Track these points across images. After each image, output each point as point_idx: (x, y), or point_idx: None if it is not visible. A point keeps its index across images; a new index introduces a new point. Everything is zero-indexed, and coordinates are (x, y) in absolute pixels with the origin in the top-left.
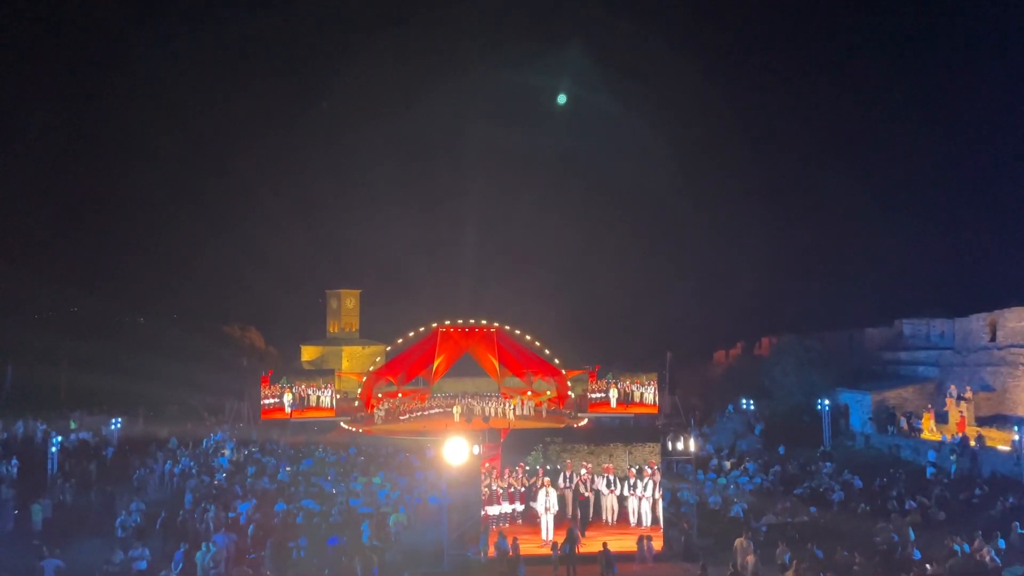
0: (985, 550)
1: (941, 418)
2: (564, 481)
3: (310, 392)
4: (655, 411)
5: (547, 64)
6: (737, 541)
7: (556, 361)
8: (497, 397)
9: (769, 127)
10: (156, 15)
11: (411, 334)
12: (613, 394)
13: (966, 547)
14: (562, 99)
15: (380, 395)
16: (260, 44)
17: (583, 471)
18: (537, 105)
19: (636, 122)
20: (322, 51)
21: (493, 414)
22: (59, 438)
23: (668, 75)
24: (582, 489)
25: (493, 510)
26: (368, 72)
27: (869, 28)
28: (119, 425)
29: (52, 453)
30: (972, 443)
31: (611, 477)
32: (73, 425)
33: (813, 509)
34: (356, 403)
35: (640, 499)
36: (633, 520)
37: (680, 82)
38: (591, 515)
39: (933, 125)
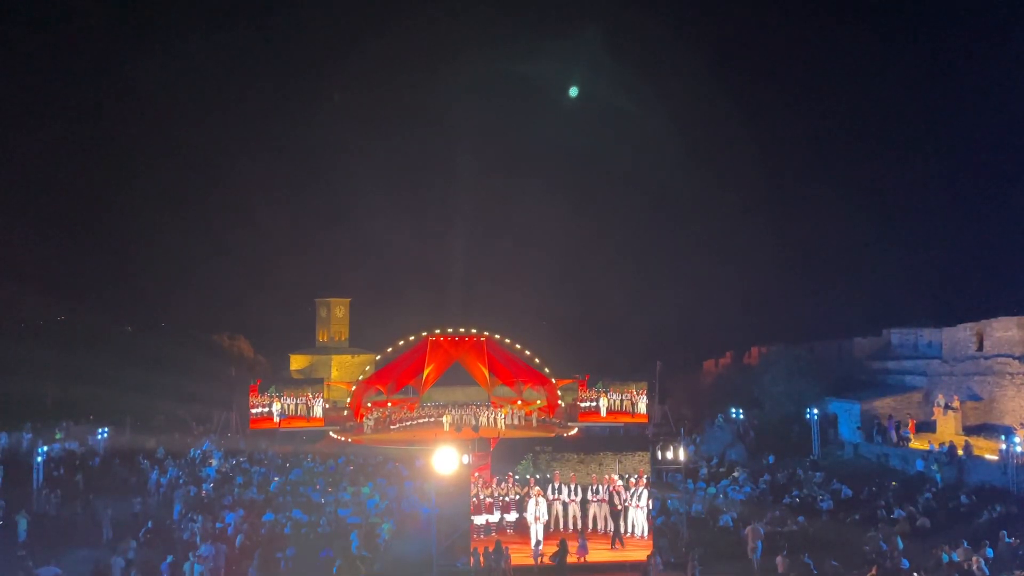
0: (975, 558)
1: (929, 427)
2: (553, 492)
3: (299, 401)
4: (645, 420)
5: (541, 69)
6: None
7: (546, 370)
8: (487, 406)
9: (757, 138)
10: (144, 29)
11: (401, 343)
12: (603, 403)
13: (954, 556)
14: (574, 91)
15: (369, 404)
16: (249, 55)
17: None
18: (529, 114)
19: (626, 132)
20: (313, 60)
21: (483, 423)
22: (44, 448)
23: (661, 82)
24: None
25: (481, 520)
26: (359, 80)
27: (861, 41)
28: (106, 435)
29: (38, 463)
30: (960, 452)
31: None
32: (59, 435)
33: (802, 518)
34: (345, 412)
35: (637, 509)
36: (629, 531)
37: (673, 90)
38: (590, 526)
39: (922, 136)
